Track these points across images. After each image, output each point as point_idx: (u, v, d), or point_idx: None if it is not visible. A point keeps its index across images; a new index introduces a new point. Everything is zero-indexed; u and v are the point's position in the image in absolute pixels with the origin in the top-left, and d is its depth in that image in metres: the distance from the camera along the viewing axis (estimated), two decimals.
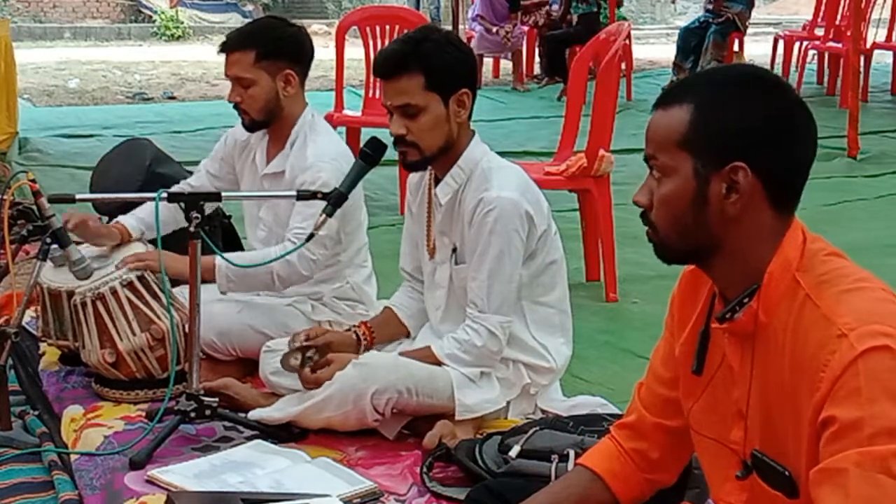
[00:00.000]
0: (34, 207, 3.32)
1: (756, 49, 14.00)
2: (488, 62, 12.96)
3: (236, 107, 3.66)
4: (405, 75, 3.08)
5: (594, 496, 2.15)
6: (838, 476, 1.66)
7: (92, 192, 4.35)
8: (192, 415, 3.14)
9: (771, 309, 1.81)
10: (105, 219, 3.92)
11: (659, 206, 1.86)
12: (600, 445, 2.24)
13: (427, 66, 3.08)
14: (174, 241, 3.47)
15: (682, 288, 2.06)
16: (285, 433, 3.20)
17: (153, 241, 3.59)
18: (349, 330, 3.41)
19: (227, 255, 3.43)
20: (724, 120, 1.81)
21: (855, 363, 1.67)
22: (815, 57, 12.03)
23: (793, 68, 11.64)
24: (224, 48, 3.65)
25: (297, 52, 3.69)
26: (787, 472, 1.81)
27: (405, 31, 6.37)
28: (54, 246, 3.25)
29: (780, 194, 1.83)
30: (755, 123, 1.80)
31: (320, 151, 3.58)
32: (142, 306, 3.49)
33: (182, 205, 3.15)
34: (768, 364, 1.83)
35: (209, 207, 3.32)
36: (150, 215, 3.68)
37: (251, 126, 3.69)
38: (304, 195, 3.24)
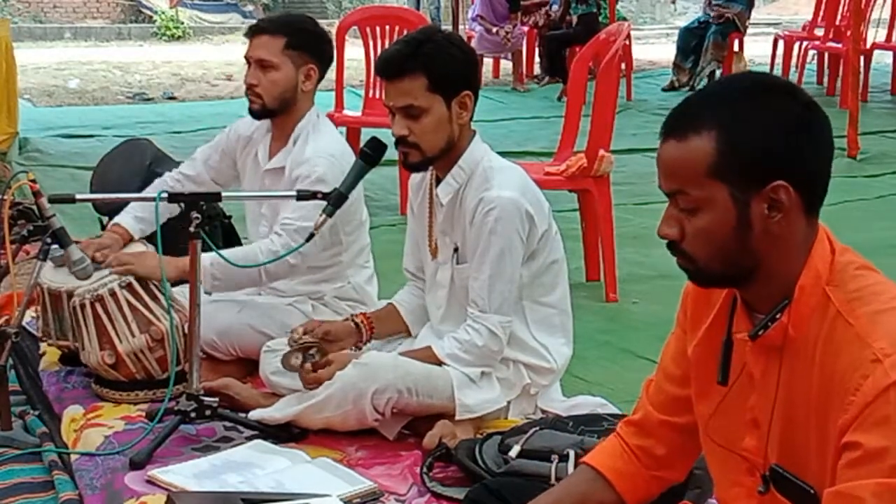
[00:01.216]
0: (34, 207, 3.32)
1: (756, 49, 13.99)
2: (488, 62, 12.94)
3: (249, 91, 3.65)
4: (408, 76, 3.08)
5: (597, 495, 2.13)
6: (853, 503, 1.65)
7: (92, 192, 4.35)
8: (193, 415, 3.14)
9: (801, 324, 1.79)
10: (105, 219, 3.92)
11: (696, 239, 1.80)
12: (605, 443, 2.21)
13: (430, 68, 3.08)
14: (173, 240, 3.46)
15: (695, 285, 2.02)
16: (285, 433, 3.20)
17: (151, 239, 3.59)
18: (348, 319, 3.41)
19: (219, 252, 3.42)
20: (753, 140, 1.75)
21: (887, 391, 1.65)
22: (815, 57, 12.03)
23: (793, 68, 11.63)
24: (254, 30, 3.69)
25: (323, 52, 3.73)
26: (811, 490, 1.79)
27: (405, 31, 6.41)
28: (54, 246, 3.25)
29: (814, 200, 1.81)
30: (783, 137, 1.75)
31: (319, 148, 3.59)
32: (141, 308, 3.49)
33: (182, 205, 3.15)
34: (795, 378, 1.80)
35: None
36: (146, 212, 3.69)
37: (260, 112, 3.68)
38: (305, 195, 3.24)
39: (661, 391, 2.11)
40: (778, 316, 1.80)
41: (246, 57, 3.69)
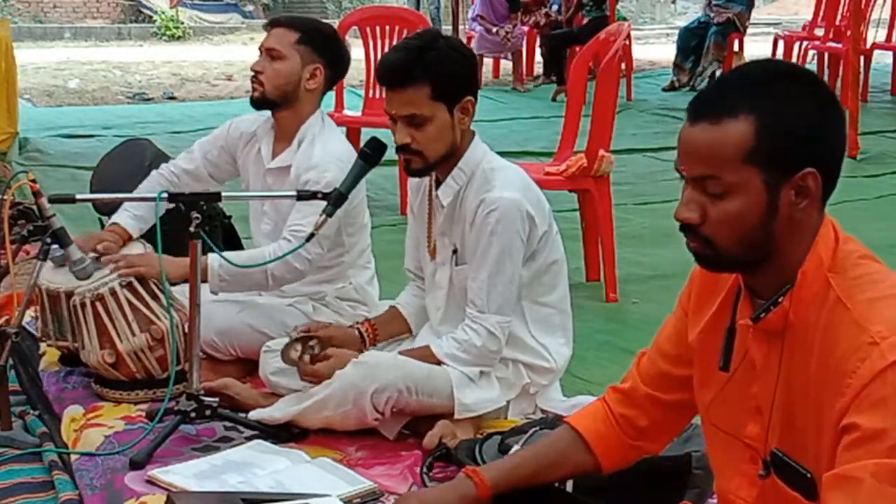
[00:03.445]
0: (34, 207, 3.33)
1: (756, 49, 13.98)
2: (488, 62, 12.95)
3: (253, 78, 3.69)
4: (412, 86, 3.07)
5: (575, 456, 2.18)
6: (852, 485, 1.66)
7: (92, 192, 4.35)
8: (193, 415, 3.14)
9: (801, 309, 1.80)
10: (105, 219, 3.92)
11: (721, 223, 1.79)
12: (589, 406, 2.26)
13: (433, 76, 3.07)
14: (173, 239, 3.46)
15: (704, 270, 2.01)
16: (285, 433, 3.20)
17: (151, 241, 3.59)
18: (353, 326, 3.41)
19: (223, 253, 3.43)
20: (790, 127, 1.76)
21: (884, 373, 1.66)
22: (815, 57, 12.02)
23: None
24: (273, 23, 3.79)
25: (334, 57, 3.75)
26: (808, 475, 1.80)
27: (405, 31, 6.41)
28: (54, 246, 3.25)
29: (831, 188, 1.82)
30: (815, 124, 1.77)
31: (327, 151, 3.59)
32: (141, 307, 3.49)
33: (182, 205, 3.15)
34: (794, 363, 1.82)
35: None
36: (142, 210, 3.69)
37: (260, 101, 3.69)
38: (304, 195, 3.24)
39: (653, 366, 2.14)
40: (780, 300, 1.82)
41: (259, 47, 3.74)
